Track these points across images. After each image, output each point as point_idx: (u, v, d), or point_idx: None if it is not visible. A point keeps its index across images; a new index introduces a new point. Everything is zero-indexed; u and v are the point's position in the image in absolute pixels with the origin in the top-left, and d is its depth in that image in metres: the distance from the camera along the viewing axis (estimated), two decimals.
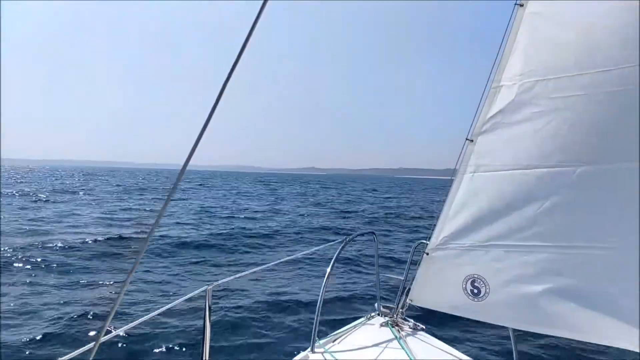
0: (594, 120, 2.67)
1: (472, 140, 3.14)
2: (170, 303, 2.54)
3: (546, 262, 2.86)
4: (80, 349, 1.84)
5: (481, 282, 3.13)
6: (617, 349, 2.64)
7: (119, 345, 6.70)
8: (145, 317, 2.40)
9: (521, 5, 2.95)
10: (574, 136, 2.75)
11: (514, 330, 3.59)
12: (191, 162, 1.40)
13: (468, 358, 3.33)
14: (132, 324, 2.25)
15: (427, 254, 3.41)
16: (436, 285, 3.40)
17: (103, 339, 1.36)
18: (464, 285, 3.21)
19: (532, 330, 3.08)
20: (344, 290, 10.53)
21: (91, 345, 1.38)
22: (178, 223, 20.93)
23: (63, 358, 1.84)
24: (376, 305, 4.18)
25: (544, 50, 2.89)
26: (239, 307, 9.13)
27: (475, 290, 3.16)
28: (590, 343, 2.77)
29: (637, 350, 2.56)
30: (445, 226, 3.31)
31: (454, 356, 3.36)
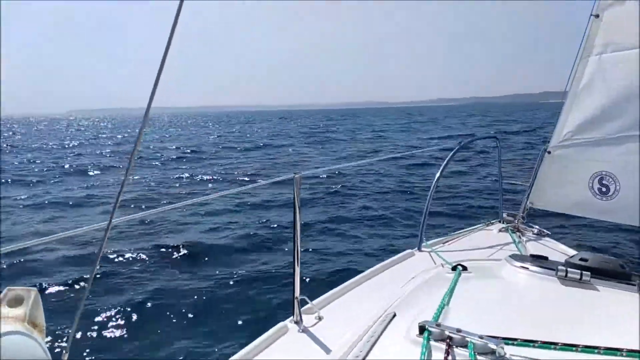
0: None
1: (597, 16, 2.69)
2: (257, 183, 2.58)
3: None
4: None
5: (610, 180, 2.83)
6: None
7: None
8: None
9: None
10: None
11: None
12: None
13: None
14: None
15: (549, 152, 3.13)
16: (559, 185, 3.15)
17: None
18: (590, 184, 2.92)
19: None
20: (455, 198, 10.31)
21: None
22: None
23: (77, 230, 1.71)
24: (498, 212, 3.93)
25: None
26: (329, 205, 9.49)
27: (604, 189, 2.87)
28: None
29: None
30: (569, 119, 2.98)
31: None
